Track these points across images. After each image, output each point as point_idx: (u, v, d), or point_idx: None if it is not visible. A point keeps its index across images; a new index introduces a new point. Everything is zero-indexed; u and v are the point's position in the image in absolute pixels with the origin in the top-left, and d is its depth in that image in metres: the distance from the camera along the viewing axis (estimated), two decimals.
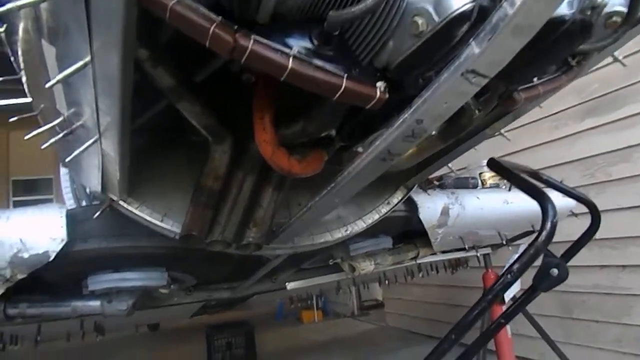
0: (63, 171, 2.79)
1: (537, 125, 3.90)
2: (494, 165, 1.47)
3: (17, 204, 9.15)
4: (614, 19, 0.89)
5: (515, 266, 1.17)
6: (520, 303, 1.67)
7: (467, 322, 1.26)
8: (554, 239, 1.32)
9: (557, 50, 0.82)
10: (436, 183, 2.44)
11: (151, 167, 1.46)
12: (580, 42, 0.84)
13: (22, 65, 1.20)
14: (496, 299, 1.26)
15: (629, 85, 3.34)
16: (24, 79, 1.31)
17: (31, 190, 9.19)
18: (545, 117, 3.84)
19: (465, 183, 2.62)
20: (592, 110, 3.63)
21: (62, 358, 4.57)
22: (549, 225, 1.16)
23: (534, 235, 2.90)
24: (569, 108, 3.76)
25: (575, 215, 2.91)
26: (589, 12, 0.78)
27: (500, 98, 1.01)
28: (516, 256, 3.06)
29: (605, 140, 3.51)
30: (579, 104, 3.70)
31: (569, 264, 2.02)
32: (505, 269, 1.18)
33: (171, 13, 0.69)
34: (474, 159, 2.73)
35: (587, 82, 3.50)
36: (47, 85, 0.81)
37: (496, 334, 1.92)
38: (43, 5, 0.82)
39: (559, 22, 0.74)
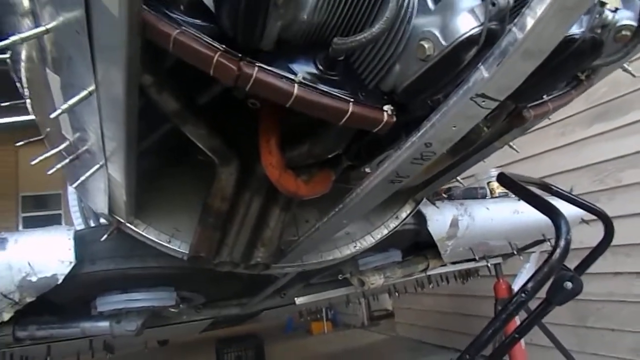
0: (70, 190, 2.80)
1: (544, 131, 3.86)
2: (505, 180, 1.44)
3: (27, 220, 9.21)
4: (624, 32, 0.88)
5: (530, 284, 1.14)
6: (535, 317, 1.64)
7: (482, 341, 1.23)
8: None
9: (568, 68, 0.81)
10: (444, 195, 2.41)
11: (158, 188, 1.45)
12: (590, 60, 0.82)
13: (27, 92, 1.20)
14: (511, 318, 1.23)
15: (636, 90, 3.30)
16: (29, 104, 1.31)
17: (40, 206, 9.25)
18: (552, 123, 3.80)
19: (474, 193, 2.59)
20: (599, 116, 3.59)
21: None
22: (563, 242, 1.13)
23: (545, 245, 2.87)
24: (576, 114, 3.72)
25: (587, 222, 2.87)
26: (599, 31, 0.76)
27: (510, 115, 0.99)
28: (528, 266, 3.02)
29: (614, 145, 3.47)
30: (586, 109, 3.66)
31: None
32: (519, 288, 1.16)
33: (175, 43, 0.68)
34: (482, 168, 2.71)
35: (594, 87, 3.45)
36: (52, 115, 0.81)
37: (511, 348, 1.88)
38: (47, 36, 0.83)
39: (569, 42, 0.73)
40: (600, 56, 0.84)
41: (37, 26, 0.80)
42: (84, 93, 0.82)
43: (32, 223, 8.98)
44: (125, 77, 0.74)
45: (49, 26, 0.77)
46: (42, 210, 9.14)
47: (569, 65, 0.78)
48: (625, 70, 1.19)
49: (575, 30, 0.73)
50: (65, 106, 0.82)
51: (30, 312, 1.64)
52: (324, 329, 7.52)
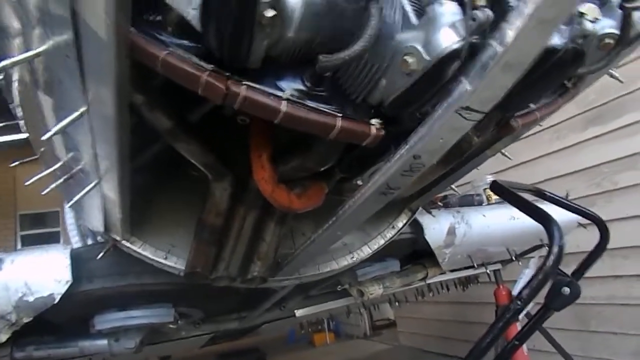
0: (67, 208, 2.79)
1: (538, 137, 3.88)
2: (497, 188, 1.45)
3: (25, 239, 9.18)
4: (607, 41, 0.89)
5: (525, 292, 1.14)
6: (535, 322, 1.64)
7: (479, 350, 1.23)
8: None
9: (551, 78, 0.82)
10: (440, 203, 2.42)
11: (153, 204, 1.46)
12: (573, 70, 0.83)
13: (20, 113, 1.21)
14: (508, 326, 1.23)
15: (629, 93, 3.33)
16: (23, 125, 1.32)
17: (38, 225, 9.23)
18: (546, 128, 3.83)
19: (470, 201, 2.59)
20: (593, 120, 3.62)
21: None
22: (556, 249, 1.14)
23: (544, 250, 2.87)
24: (569, 118, 3.74)
25: (584, 226, 2.87)
26: (580, 41, 0.77)
27: (498, 125, 1.00)
28: (527, 271, 3.02)
29: (609, 148, 3.49)
30: (580, 113, 3.69)
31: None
32: (515, 295, 1.16)
33: (163, 64, 0.69)
34: (478, 175, 2.72)
35: (586, 91, 3.47)
36: (44, 137, 0.82)
37: (512, 355, 1.87)
38: (37, 59, 0.84)
39: (551, 52, 0.74)
40: (583, 65, 0.86)
41: (28, 50, 0.81)
42: (75, 114, 0.83)
43: (30, 241, 8.95)
44: (115, 98, 0.75)
45: (39, 50, 0.78)
46: (40, 229, 9.12)
47: (552, 75, 0.79)
48: (612, 76, 1.21)
49: (557, 41, 0.74)
50: (57, 128, 0.82)
51: (28, 332, 1.64)
52: (326, 340, 7.46)
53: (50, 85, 0.90)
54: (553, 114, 1.07)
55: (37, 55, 0.79)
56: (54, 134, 0.82)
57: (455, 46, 0.63)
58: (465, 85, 0.62)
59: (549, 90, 0.99)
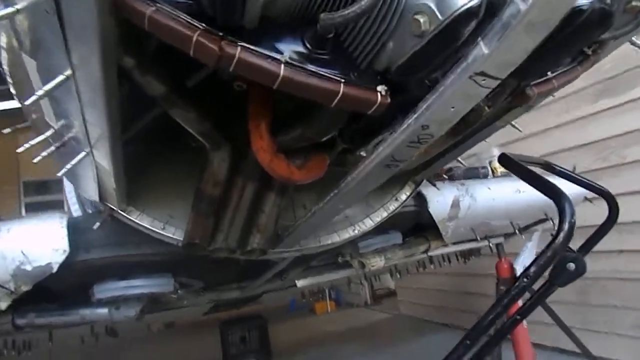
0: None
1: (547, 108, 3.78)
2: (506, 161, 1.40)
3: (29, 206, 9.21)
4: (634, 3, 0.83)
5: (532, 269, 1.11)
6: (537, 298, 1.61)
7: (483, 326, 1.20)
8: None
9: (575, 42, 0.75)
10: (445, 176, 2.37)
11: (150, 174, 1.42)
12: (599, 32, 0.77)
13: (9, 78, 1.16)
14: (513, 303, 1.20)
15: None
16: (13, 90, 1.27)
17: (42, 192, 9.22)
18: (555, 100, 3.73)
19: (475, 173, 2.54)
20: (605, 91, 3.51)
21: (78, 358, 4.62)
22: (566, 226, 1.09)
23: (548, 223, 2.84)
24: (579, 90, 3.64)
25: (590, 201, 2.83)
26: (608, 1, 0.71)
27: (512, 94, 0.94)
28: (530, 244, 2.99)
29: (618, 122, 3.40)
30: (590, 85, 3.58)
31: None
32: (521, 272, 1.12)
33: (150, 22, 0.63)
34: (484, 147, 2.66)
35: (599, 62, 3.37)
36: (27, 102, 0.77)
37: (513, 329, 1.86)
38: (20, 18, 0.78)
39: (576, 13, 0.67)
40: (610, 29, 0.79)
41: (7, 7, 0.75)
42: (60, 77, 0.78)
43: (35, 209, 8.97)
44: (101, 59, 0.70)
45: (18, 6, 0.72)
46: (44, 195, 9.12)
47: (577, 38, 0.73)
48: (633, 43, 1.13)
49: (583, 0, 0.68)
50: (41, 92, 0.77)
51: (29, 300, 1.63)
52: (327, 309, 7.58)
53: (34, 46, 0.85)
54: (570, 83, 1.01)
55: (17, 11, 0.72)
56: (38, 98, 0.77)
57: (473, 3, 0.56)
58: (481, 48, 0.56)
59: (570, 55, 0.92)
